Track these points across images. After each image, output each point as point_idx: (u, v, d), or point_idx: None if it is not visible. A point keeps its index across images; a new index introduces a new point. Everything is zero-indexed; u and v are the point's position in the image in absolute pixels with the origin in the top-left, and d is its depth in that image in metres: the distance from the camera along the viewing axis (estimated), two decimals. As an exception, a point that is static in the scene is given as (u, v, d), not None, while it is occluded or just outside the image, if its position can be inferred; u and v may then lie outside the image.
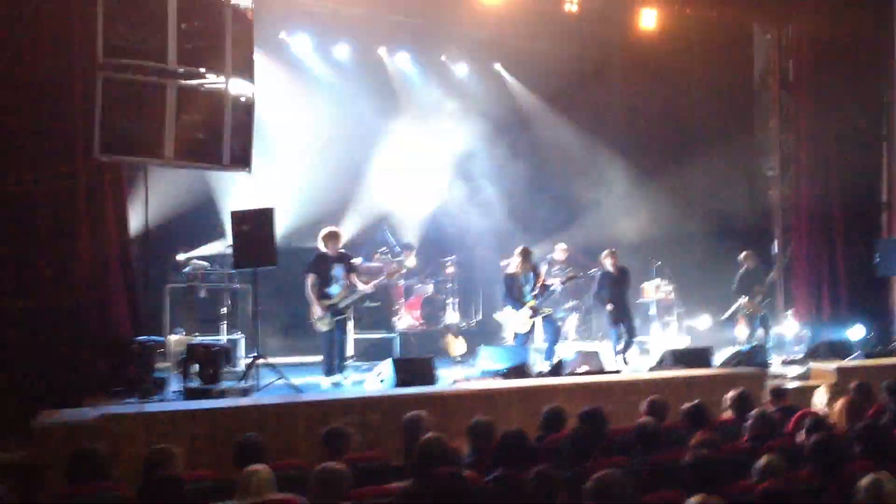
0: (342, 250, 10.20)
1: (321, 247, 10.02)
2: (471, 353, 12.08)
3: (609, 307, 11.60)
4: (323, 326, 9.88)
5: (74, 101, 8.64)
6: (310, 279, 9.87)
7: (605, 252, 11.84)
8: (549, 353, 10.51)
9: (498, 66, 15.29)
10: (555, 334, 10.73)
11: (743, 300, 12.53)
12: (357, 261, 11.84)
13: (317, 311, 9.84)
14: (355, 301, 10.38)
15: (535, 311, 10.55)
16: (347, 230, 12.64)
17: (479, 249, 14.48)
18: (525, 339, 10.62)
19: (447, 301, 13.65)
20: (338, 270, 9.97)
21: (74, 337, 8.02)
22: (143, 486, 4.60)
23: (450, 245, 14.39)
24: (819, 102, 14.18)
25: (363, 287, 10.23)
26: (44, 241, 8.56)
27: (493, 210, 14.57)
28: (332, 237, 10.04)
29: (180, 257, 11.76)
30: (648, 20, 13.36)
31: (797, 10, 14.11)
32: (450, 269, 13.86)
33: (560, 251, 13.62)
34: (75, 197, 8.71)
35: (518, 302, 10.61)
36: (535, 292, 10.60)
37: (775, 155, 15.27)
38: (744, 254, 12.88)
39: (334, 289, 9.91)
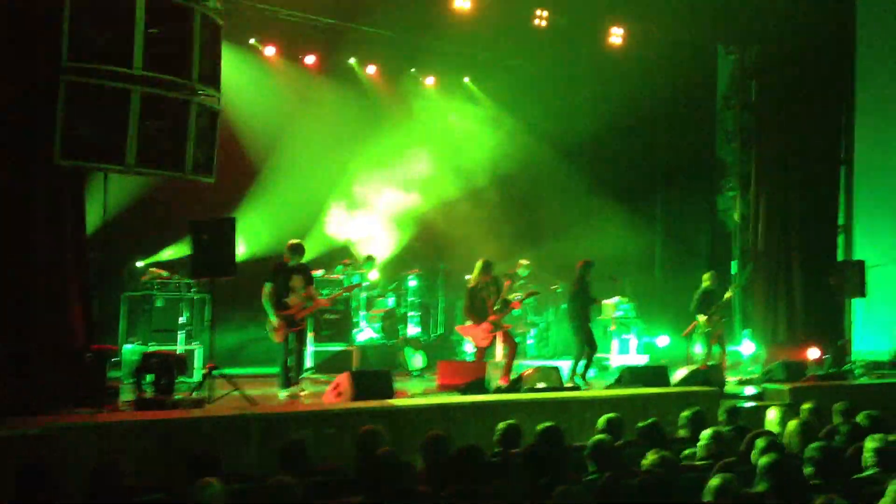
0: (303, 262, 10.15)
1: (285, 257, 9.97)
2: (429, 367, 12.07)
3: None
4: (278, 337, 9.79)
5: (35, 103, 8.51)
6: (267, 288, 9.78)
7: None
8: (508, 369, 10.50)
9: (467, 80, 15.36)
10: (513, 350, 10.72)
11: (700, 319, 12.66)
12: (318, 272, 11.81)
13: (273, 320, 9.75)
14: (313, 313, 10.34)
15: (496, 326, 10.52)
16: (313, 242, 12.60)
17: (441, 263, 14.49)
18: (484, 354, 10.59)
19: (407, 315, 13.62)
20: (296, 282, 9.90)
21: (26, 344, 7.85)
22: (90, 498, 4.51)
23: (412, 258, 14.39)
24: (780, 123, 14.41)
25: (321, 301, 10.27)
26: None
27: (456, 224, 14.59)
28: (297, 249, 9.99)
29: (139, 264, 11.64)
30: (615, 37, 13.52)
31: (760, 32, 14.33)
32: (411, 283, 13.85)
33: (522, 267, 13.67)
34: (33, 202, 8.55)
35: (479, 316, 10.58)
36: (497, 307, 10.57)
37: (736, 175, 15.50)
38: (706, 274, 12.98)
39: (292, 300, 9.82)
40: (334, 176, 13.90)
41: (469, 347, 11.23)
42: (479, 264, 10.73)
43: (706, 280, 12.70)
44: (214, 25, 8.29)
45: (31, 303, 8.27)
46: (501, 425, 6.34)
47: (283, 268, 9.90)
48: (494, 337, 10.49)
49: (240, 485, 5.03)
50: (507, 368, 10.49)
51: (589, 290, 11.60)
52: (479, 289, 10.64)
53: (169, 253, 12.07)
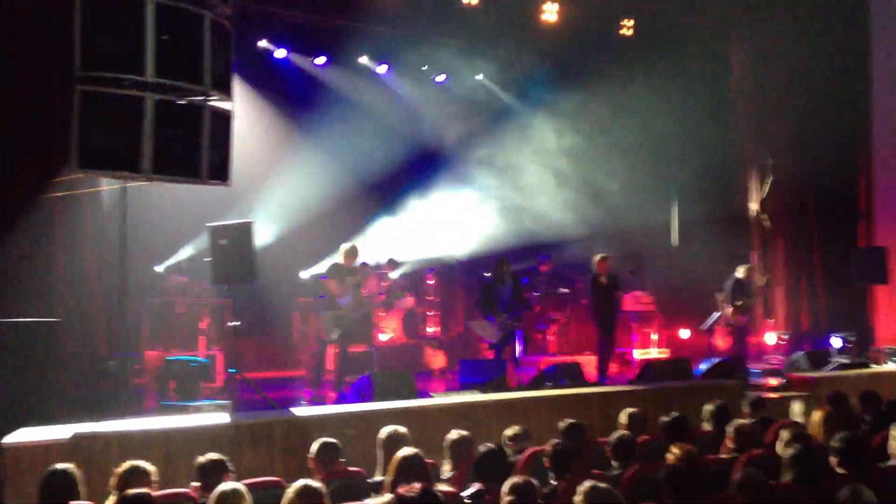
0: (356, 265, 10.27)
1: (340, 259, 10.07)
2: (450, 366, 12.06)
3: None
4: (333, 335, 9.90)
5: (51, 113, 8.58)
6: (332, 285, 10.00)
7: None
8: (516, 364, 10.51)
9: (480, 77, 15.30)
10: (523, 346, 10.69)
11: (727, 310, 12.57)
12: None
13: (326, 320, 9.86)
14: (365, 314, 10.46)
15: (507, 323, 10.45)
16: (327, 244, 12.59)
17: (460, 262, 14.47)
18: (502, 351, 10.55)
19: (427, 314, 13.61)
20: (351, 283, 10.02)
21: (50, 352, 7.91)
22: (116, 505, 4.53)
23: (430, 257, 14.38)
24: (796, 111, 14.27)
25: (375, 302, 10.42)
26: (19, 256, 8.48)
27: (474, 221, 14.55)
28: (353, 253, 10.22)
29: (158, 269, 11.71)
30: (626, 29, 13.46)
31: (773, 19, 14.21)
32: (430, 282, 13.84)
33: (542, 264, 13.63)
34: (52, 211, 8.63)
35: (491, 312, 10.56)
36: (511, 303, 10.50)
37: (752, 164, 15.37)
38: (743, 266, 12.87)
39: (346, 300, 9.93)
40: (350, 175, 13.88)
41: (484, 343, 11.22)
42: (494, 261, 10.73)
43: (740, 271, 12.63)
44: (224, 30, 8.29)
45: (55, 312, 8.35)
46: (508, 432, 6.30)
47: (340, 269, 10.03)
48: (509, 333, 10.43)
49: (264, 489, 5.06)
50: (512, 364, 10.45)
51: (605, 286, 11.46)
52: (493, 284, 10.61)
53: (186, 255, 12.13)
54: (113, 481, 4.93)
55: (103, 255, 9.35)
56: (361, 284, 10.24)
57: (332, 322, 9.86)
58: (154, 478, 4.98)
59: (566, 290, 14.29)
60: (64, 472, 4.89)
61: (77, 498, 4.81)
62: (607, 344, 11.42)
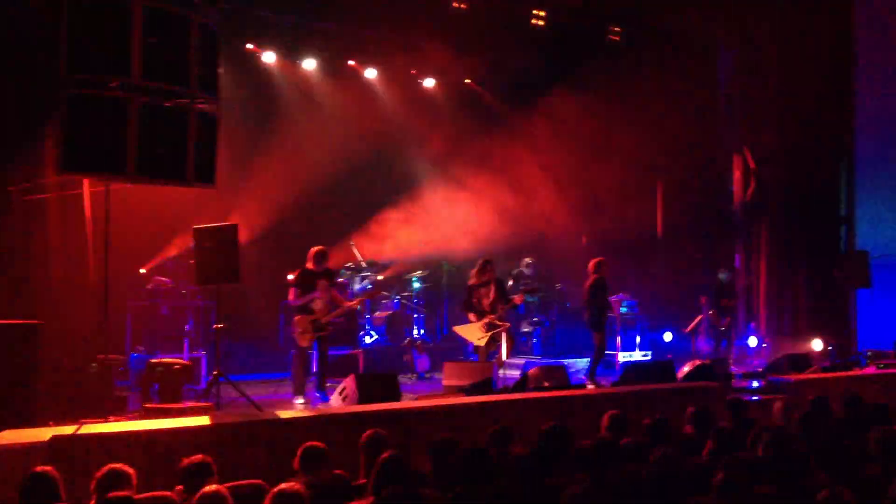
0: (328, 268, 10.24)
1: (309, 263, 10.03)
2: (435, 368, 12.07)
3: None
4: (304, 342, 9.87)
5: (38, 115, 8.55)
6: (292, 293, 9.89)
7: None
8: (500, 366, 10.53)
9: (468, 81, 15.31)
10: (507, 348, 10.72)
11: (710, 312, 12.61)
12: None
13: (299, 325, 9.84)
14: (338, 317, 10.44)
15: (491, 325, 10.45)
16: (314, 245, 12.58)
17: (445, 263, 14.48)
18: (486, 353, 10.55)
19: (412, 316, 13.62)
20: (321, 286, 9.99)
21: (31, 355, 7.88)
22: (98, 509, 4.53)
23: (416, 260, 14.38)
24: (781, 118, 14.38)
25: (349, 304, 10.37)
26: (2, 258, 8.46)
27: (459, 225, 14.57)
28: (322, 256, 10.11)
29: (142, 271, 11.68)
30: (614, 37, 13.51)
31: (760, 27, 14.31)
32: (416, 284, 13.85)
33: (526, 265, 13.65)
34: (36, 213, 8.61)
35: (474, 314, 10.56)
36: (493, 304, 10.51)
37: (737, 169, 15.47)
38: (721, 268, 13.02)
39: (317, 304, 9.92)
40: (333, 179, 13.87)
41: (470, 347, 11.24)
42: (478, 263, 10.74)
43: (721, 274, 12.72)
44: (211, 33, 8.29)
45: (38, 313, 8.32)
46: (492, 434, 6.31)
47: (309, 272, 9.99)
48: (492, 336, 10.43)
49: (246, 491, 5.06)
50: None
51: (605, 289, 11.53)
52: (477, 286, 10.62)
53: (170, 257, 12.09)
54: (92, 485, 4.91)
55: (86, 256, 9.32)
56: (334, 286, 10.22)
57: (305, 326, 9.84)
58: (134, 481, 4.97)
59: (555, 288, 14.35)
60: (44, 475, 4.87)
61: (57, 501, 4.78)
62: (601, 346, 11.46)
